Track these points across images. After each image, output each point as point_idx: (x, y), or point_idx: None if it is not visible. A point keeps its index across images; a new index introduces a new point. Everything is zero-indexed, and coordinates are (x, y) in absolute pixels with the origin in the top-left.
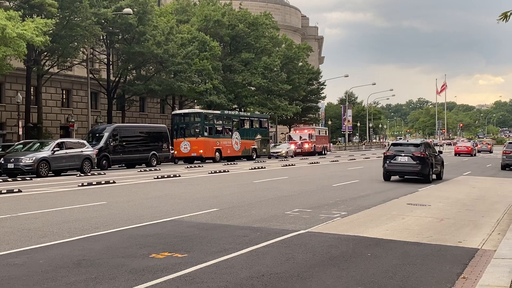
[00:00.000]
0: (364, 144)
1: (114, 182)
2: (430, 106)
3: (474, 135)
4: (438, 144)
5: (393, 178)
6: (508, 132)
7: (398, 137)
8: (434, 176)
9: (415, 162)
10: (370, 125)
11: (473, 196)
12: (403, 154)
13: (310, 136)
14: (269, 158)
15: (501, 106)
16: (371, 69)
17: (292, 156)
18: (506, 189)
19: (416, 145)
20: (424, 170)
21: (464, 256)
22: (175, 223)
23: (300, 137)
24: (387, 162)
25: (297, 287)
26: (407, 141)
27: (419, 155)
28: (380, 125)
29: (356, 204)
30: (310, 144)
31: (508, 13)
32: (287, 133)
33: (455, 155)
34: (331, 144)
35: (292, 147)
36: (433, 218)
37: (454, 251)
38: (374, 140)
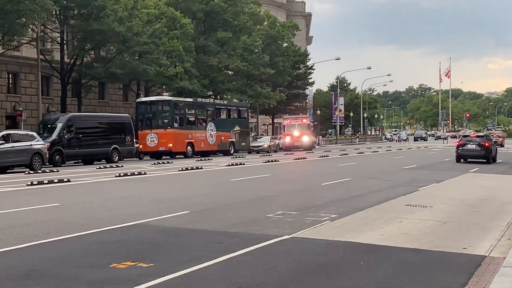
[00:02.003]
0: (358, 137)
1: (68, 181)
2: (433, 94)
3: (482, 126)
4: (441, 137)
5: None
6: None
7: (394, 130)
8: (491, 160)
9: (480, 149)
10: (365, 115)
11: (481, 196)
12: (471, 143)
13: (309, 126)
14: (249, 153)
15: None
16: (366, 51)
17: (275, 151)
18: None
19: (481, 137)
20: (487, 154)
21: (469, 264)
22: (140, 227)
23: (297, 128)
24: (460, 148)
25: None
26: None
27: (483, 143)
28: (376, 115)
29: (347, 205)
30: (310, 136)
31: None
32: (269, 123)
33: None
34: (320, 137)
35: (288, 139)
36: (434, 221)
37: (458, 258)
38: (369, 133)
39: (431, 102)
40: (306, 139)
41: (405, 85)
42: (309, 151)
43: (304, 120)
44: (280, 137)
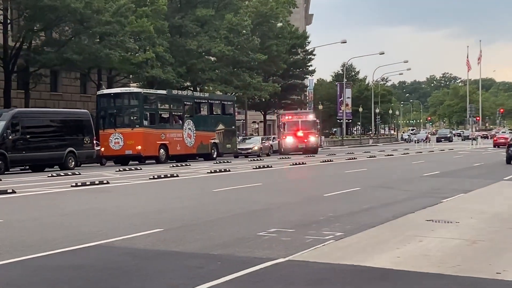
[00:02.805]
0: (371, 137)
1: (13, 192)
2: (460, 85)
3: None
4: (469, 137)
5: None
6: None
7: (411, 128)
8: None
9: None
10: (377, 110)
11: None
12: None
13: (315, 124)
14: (236, 157)
15: None
16: (378, 33)
17: (268, 154)
18: None
19: None
20: None
21: None
22: (102, 249)
23: (301, 126)
24: (511, 149)
25: None
26: None
27: None
28: (390, 111)
29: (356, 221)
30: (316, 136)
31: None
32: (260, 121)
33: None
34: (323, 137)
35: (290, 141)
36: (462, 240)
37: (491, 285)
38: (382, 132)
39: (457, 95)
40: (313, 139)
41: (426, 74)
42: (311, 155)
43: (309, 116)
44: (273, 138)
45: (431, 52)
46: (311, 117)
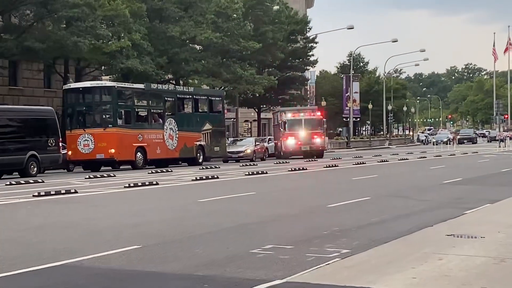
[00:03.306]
0: (387, 138)
1: None
2: (485, 77)
3: None
4: (497, 137)
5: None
6: None
7: (428, 128)
8: None
9: None
10: (389, 107)
11: None
12: None
13: (321, 123)
14: (225, 161)
15: None
16: (390, 17)
17: (262, 158)
18: None
19: None
20: None
21: None
22: (69, 270)
23: (305, 125)
24: None
25: None
26: None
27: None
28: (405, 108)
29: (365, 236)
30: (322, 137)
31: None
32: (254, 120)
33: None
34: (327, 138)
35: (292, 142)
36: (488, 258)
37: None
38: (395, 132)
39: (482, 89)
40: (318, 141)
41: (446, 65)
42: (314, 159)
43: (314, 114)
44: (269, 139)
45: (451, 39)
46: (316, 114)
